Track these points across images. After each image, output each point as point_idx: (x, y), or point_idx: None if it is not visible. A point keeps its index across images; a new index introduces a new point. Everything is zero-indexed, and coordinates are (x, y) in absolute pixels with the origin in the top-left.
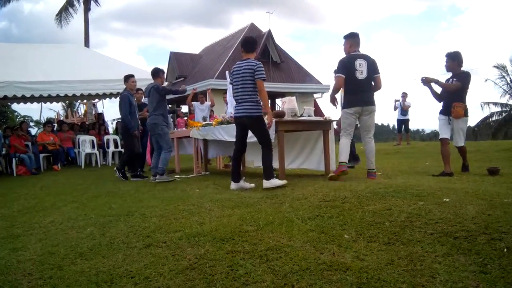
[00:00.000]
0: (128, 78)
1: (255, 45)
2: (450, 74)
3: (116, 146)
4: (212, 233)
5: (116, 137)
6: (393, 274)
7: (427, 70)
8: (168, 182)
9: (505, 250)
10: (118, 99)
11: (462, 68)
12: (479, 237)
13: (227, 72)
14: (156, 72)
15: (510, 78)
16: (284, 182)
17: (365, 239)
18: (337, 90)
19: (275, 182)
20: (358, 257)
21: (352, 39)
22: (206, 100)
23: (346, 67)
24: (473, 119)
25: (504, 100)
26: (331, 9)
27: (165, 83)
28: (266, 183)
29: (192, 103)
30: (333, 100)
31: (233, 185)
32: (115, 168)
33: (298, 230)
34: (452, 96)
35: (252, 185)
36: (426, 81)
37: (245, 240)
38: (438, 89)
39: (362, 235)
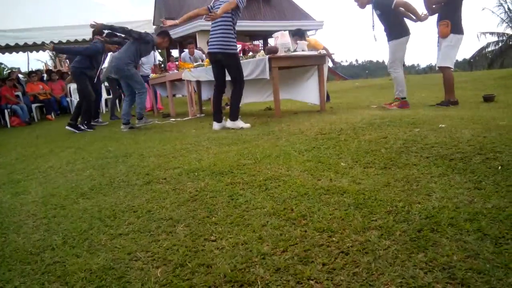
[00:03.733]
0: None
1: None
2: None
3: (108, 93)
4: (211, 167)
5: (107, 84)
6: (389, 194)
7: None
8: (149, 124)
9: (499, 168)
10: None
11: None
12: (474, 157)
13: (211, 3)
14: (163, 33)
15: (508, 5)
16: (248, 125)
17: (362, 165)
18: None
19: (239, 124)
20: (355, 181)
21: None
22: (196, 49)
23: None
24: (469, 50)
25: (501, 29)
26: None
27: (155, 37)
28: (230, 123)
29: (182, 55)
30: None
31: (215, 125)
32: (67, 126)
33: (296, 161)
34: (440, 13)
35: (248, 125)
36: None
37: (243, 172)
38: None
39: (359, 162)
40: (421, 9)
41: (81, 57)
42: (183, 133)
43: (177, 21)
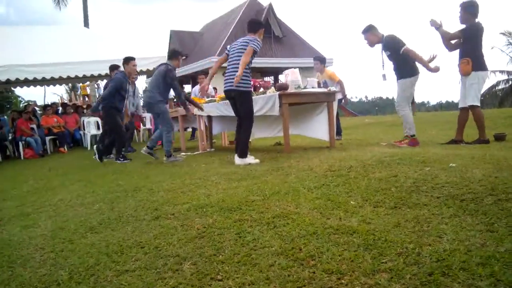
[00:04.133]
0: (129, 60)
1: (259, 25)
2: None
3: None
4: (219, 203)
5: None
6: (400, 235)
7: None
8: (177, 162)
9: None
10: None
11: (477, 20)
12: (486, 198)
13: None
14: (174, 54)
15: None
16: (257, 161)
17: (371, 204)
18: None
19: (247, 160)
20: (365, 221)
21: (375, 29)
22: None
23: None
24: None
25: (510, 67)
26: None
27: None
28: (238, 160)
29: (193, 89)
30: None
31: (237, 160)
32: (106, 157)
33: (305, 198)
34: (461, 51)
35: (257, 160)
36: (434, 24)
37: (252, 209)
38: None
39: (368, 201)
40: (439, 49)
41: (108, 93)
42: (192, 168)
43: (206, 83)
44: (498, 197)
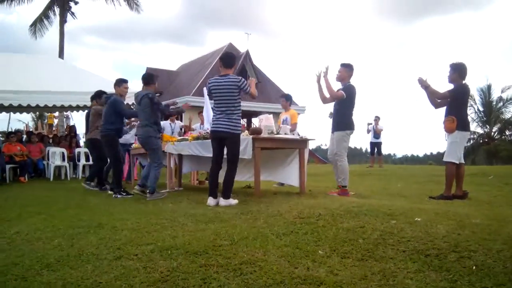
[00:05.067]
0: (121, 82)
1: (234, 60)
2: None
3: (87, 159)
4: (185, 246)
5: (87, 150)
6: None
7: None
8: (160, 198)
9: (474, 267)
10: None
11: (464, 82)
12: (449, 255)
13: (204, 89)
14: (150, 78)
15: (477, 107)
16: (236, 201)
17: (339, 255)
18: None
19: (231, 201)
20: (332, 272)
21: (351, 70)
22: (176, 119)
23: (354, 94)
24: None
25: (472, 128)
26: (307, 33)
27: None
28: (223, 202)
29: (162, 122)
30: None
31: (211, 201)
32: (109, 189)
33: (273, 245)
34: (447, 109)
35: (236, 201)
36: (421, 83)
37: (219, 254)
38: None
39: (336, 251)
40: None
41: (110, 117)
42: (159, 207)
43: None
44: (460, 254)
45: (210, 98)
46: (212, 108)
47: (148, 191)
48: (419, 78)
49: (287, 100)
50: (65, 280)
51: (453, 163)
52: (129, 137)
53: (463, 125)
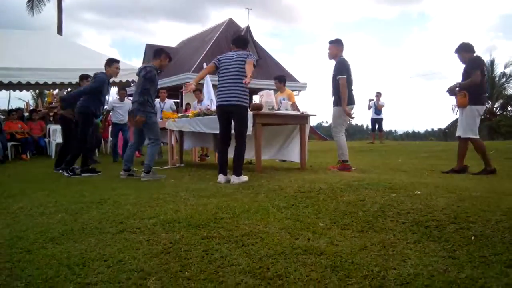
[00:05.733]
0: (112, 62)
1: (247, 42)
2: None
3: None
4: (187, 219)
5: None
6: (366, 258)
7: (398, 71)
8: (156, 180)
9: (473, 238)
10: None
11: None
12: (449, 226)
13: (204, 64)
14: (156, 52)
15: None
16: (247, 178)
17: (339, 227)
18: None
19: (243, 178)
20: (332, 242)
21: (340, 45)
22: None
23: (348, 67)
24: (445, 121)
25: None
26: (306, 10)
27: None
28: (235, 179)
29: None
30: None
31: (221, 178)
32: (60, 169)
33: (274, 218)
34: (460, 83)
35: (247, 177)
36: (451, 91)
37: (220, 227)
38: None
39: (336, 223)
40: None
41: (89, 96)
42: (161, 182)
43: (193, 85)
44: (460, 226)
45: (215, 74)
46: (217, 84)
47: (143, 170)
48: (447, 90)
49: (280, 81)
50: (70, 252)
51: (468, 138)
52: (123, 116)
53: (476, 99)
